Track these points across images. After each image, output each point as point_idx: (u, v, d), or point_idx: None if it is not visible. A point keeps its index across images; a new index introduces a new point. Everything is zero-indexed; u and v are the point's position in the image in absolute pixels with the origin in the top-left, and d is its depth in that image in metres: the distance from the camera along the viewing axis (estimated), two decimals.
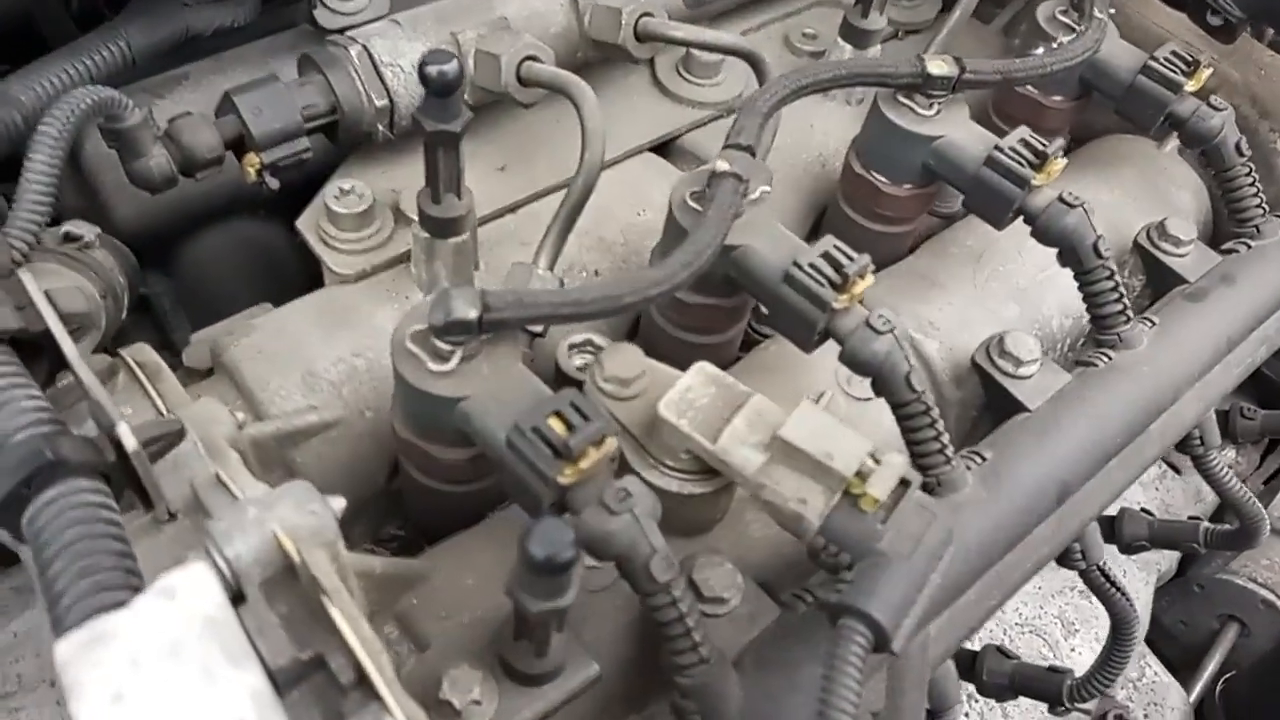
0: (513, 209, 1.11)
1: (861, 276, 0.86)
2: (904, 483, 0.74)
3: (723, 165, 0.88)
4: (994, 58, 1.42)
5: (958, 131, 1.05)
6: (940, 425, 0.87)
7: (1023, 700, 1.14)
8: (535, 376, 0.78)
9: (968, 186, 1.04)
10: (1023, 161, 1.00)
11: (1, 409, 0.63)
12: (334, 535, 0.65)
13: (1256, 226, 1.17)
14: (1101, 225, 1.21)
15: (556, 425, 0.73)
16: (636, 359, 0.85)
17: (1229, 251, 1.16)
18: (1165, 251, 1.15)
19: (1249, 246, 1.16)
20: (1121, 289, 1.02)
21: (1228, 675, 1.55)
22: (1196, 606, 1.59)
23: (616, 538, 0.71)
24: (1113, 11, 1.20)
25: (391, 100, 1.02)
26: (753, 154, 0.91)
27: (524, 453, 0.72)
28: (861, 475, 0.73)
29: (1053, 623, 1.24)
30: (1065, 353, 1.18)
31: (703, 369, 0.82)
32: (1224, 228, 1.29)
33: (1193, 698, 1.49)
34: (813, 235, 1.26)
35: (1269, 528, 1.21)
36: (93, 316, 0.76)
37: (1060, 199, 1.00)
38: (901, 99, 1.05)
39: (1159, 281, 1.16)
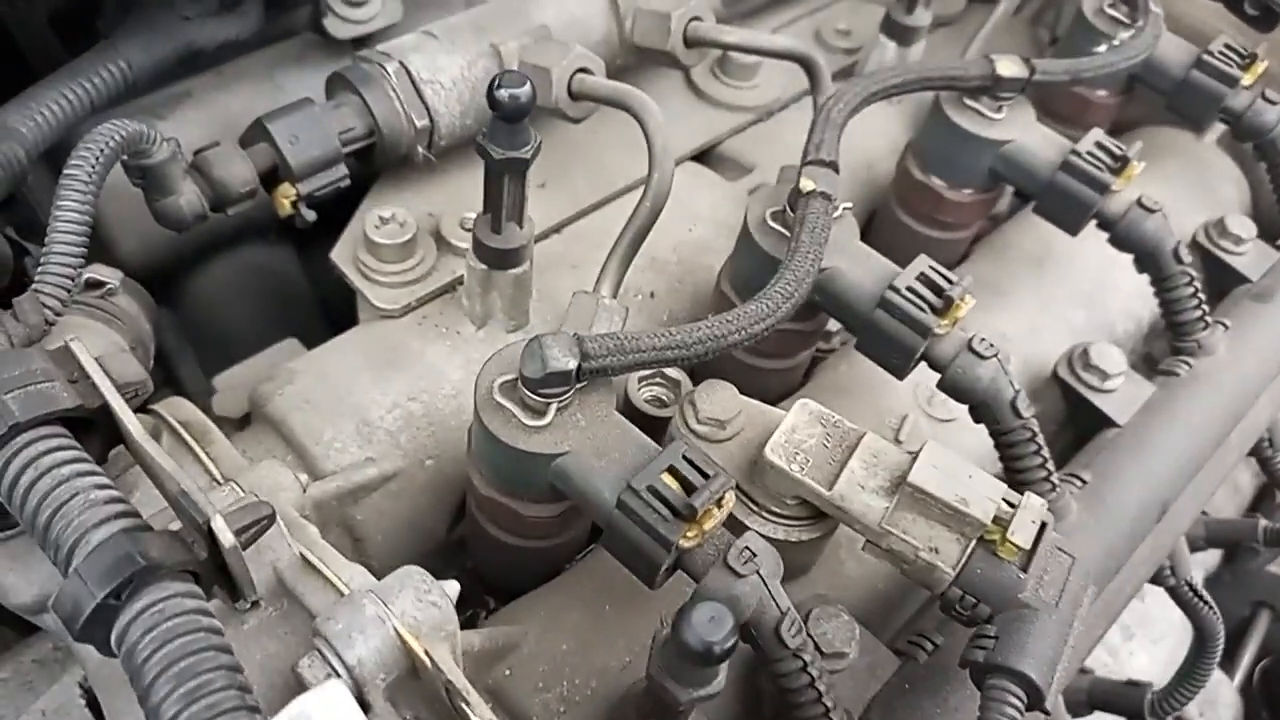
0: (557, 229, 1.04)
1: (963, 299, 0.81)
2: (1042, 525, 0.70)
3: (809, 184, 0.83)
4: (1030, 50, 1.40)
5: (1027, 135, 1.00)
6: (1045, 451, 0.83)
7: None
8: (634, 426, 0.72)
9: (1041, 192, 0.99)
10: (1101, 165, 0.96)
11: (71, 502, 0.55)
12: (455, 626, 0.59)
13: None
14: None
15: (672, 483, 0.67)
16: (732, 398, 0.79)
17: None
18: (1226, 250, 1.12)
19: None
20: (1200, 295, 0.99)
21: (1265, 662, 1.55)
22: (1227, 595, 1.58)
23: (743, 601, 0.65)
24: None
25: (433, 120, 0.94)
26: (836, 169, 0.85)
27: (639, 514, 0.66)
28: (999, 521, 0.69)
29: (1112, 629, 1.21)
30: (1129, 357, 1.14)
31: (806, 406, 0.77)
32: (1266, 216, 1.27)
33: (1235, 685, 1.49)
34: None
35: None
36: (147, 384, 0.68)
37: (1140, 203, 0.97)
38: (968, 101, 1.00)
39: (1220, 279, 1.13)
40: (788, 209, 0.86)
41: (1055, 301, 1.09)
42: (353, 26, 1.14)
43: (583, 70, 0.94)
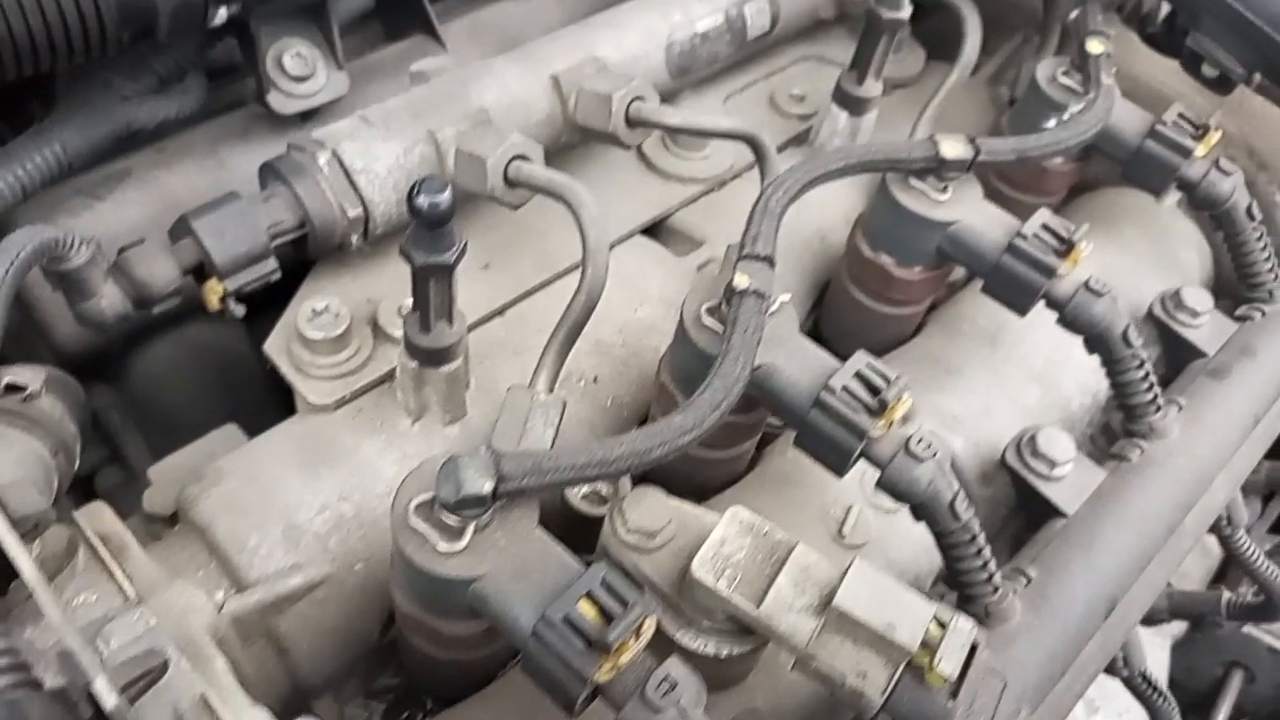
0: (500, 312, 1.02)
1: (900, 399, 0.80)
2: (973, 649, 0.68)
3: (743, 281, 0.81)
4: (990, 111, 1.39)
5: (974, 215, 0.99)
6: (987, 552, 0.81)
7: None
8: (558, 544, 0.70)
9: (988, 273, 0.98)
10: (1047, 249, 0.95)
11: None
12: None
13: (1270, 291, 1.13)
14: (1117, 290, 1.18)
15: (589, 612, 0.65)
16: (662, 506, 0.77)
17: (1244, 318, 1.12)
18: (1182, 323, 1.10)
19: (1263, 313, 1.12)
20: (1152, 377, 0.97)
21: None
22: (1200, 654, 1.56)
23: None
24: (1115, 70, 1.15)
25: (366, 209, 0.93)
26: (771, 264, 0.84)
27: (553, 647, 0.64)
28: (927, 645, 0.67)
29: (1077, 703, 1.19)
30: (1085, 430, 1.13)
31: (736, 516, 0.75)
32: (1228, 279, 1.26)
33: None
34: (814, 312, 1.20)
35: None
36: (48, 514, 0.66)
37: (1087, 286, 0.95)
38: (913, 181, 0.99)
39: (1176, 354, 1.12)
40: (724, 304, 0.84)
41: (1008, 379, 1.07)
42: (298, 101, 1.12)
43: (520, 158, 0.93)
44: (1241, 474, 1.06)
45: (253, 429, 0.99)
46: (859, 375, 0.81)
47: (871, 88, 1.15)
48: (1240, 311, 1.13)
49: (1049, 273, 0.94)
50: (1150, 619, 1.24)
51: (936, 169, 0.97)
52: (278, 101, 1.11)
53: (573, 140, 1.07)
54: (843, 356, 1.17)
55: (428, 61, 1.07)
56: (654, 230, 1.16)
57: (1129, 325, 0.96)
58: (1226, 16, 1.13)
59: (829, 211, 1.19)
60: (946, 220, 0.98)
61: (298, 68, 1.11)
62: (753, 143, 1.02)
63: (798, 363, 0.83)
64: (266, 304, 0.99)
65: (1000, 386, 1.07)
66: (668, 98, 1.19)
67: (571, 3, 1.41)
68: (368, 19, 1.36)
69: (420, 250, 0.75)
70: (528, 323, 1.02)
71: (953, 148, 0.96)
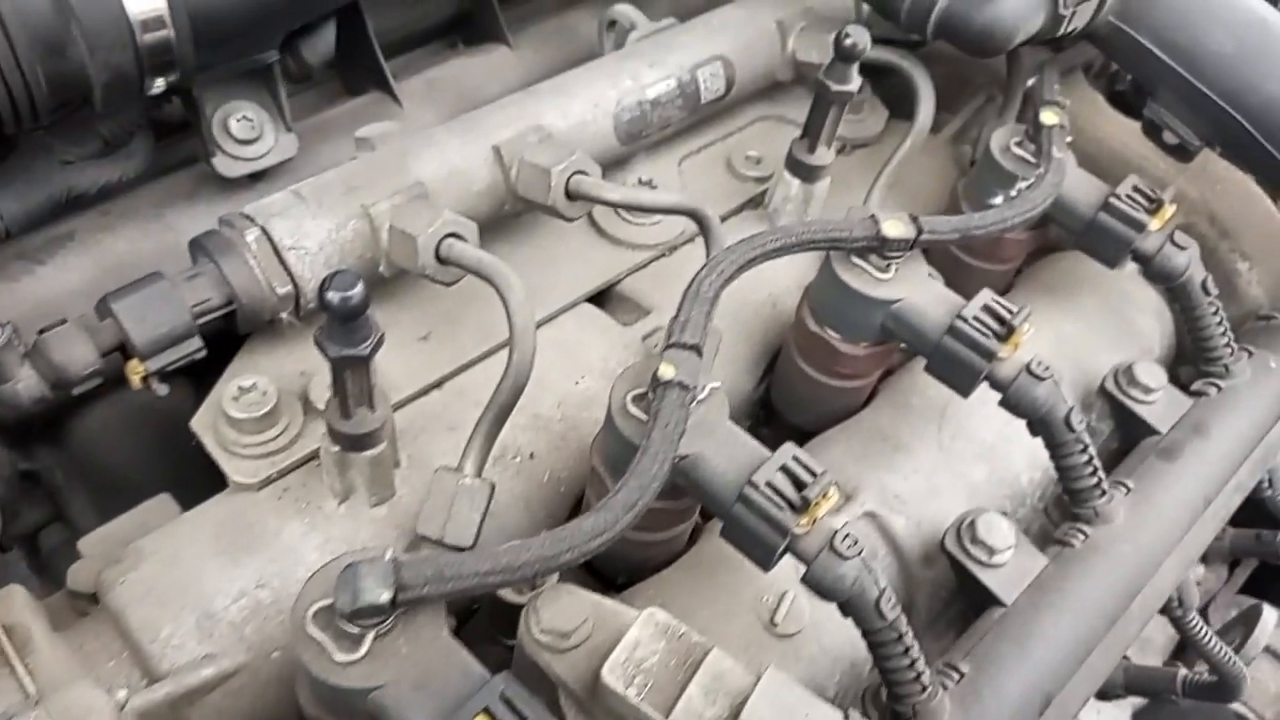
0: (438, 384, 1.01)
1: (825, 496, 0.78)
2: None
3: (667, 372, 0.80)
4: (951, 170, 1.38)
5: (917, 293, 0.98)
6: (915, 651, 0.80)
7: None
8: (464, 651, 0.69)
9: (930, 354, 0.96)
10: (987, 332, 0.93)
11: None
12: None
13: (1226, 366, 1.12)
14: (1066, 363, 1.17)
15: None
16: (577, 604, 0.75)
17: (1198, 393, 1.11)
18: (1134, 399, 1.09)
19: (1219, 388, 1.11)
20: (1095, 462, 0.95)
21: None
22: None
23: None
24: (1070, 140, 1.14)
25: (297, 286, 0.92)
26: (699, 352, 0.82)
27: None
28: None
29: None
30: (1036, 504, 1.11)
31: (653, 617, 0.73)
32: (1189, 347, 1.24)
33: None
34: (766, 379, 1.18)
35: (1247, 682, 1.16)
36: None
37: (1029, 370, 0.93)
38: (855, 259, 0.98)
39: (1128, 430, 1.10)
40: (650, 393, 0.83)
41: (955, 456, 1.06)
42: (244, 164, 1.12)
43: (453, 236, 0.92)
44: (1192, 557, 1.04)
45: (197, 492, 0.97)
46: (785, 469, 0.79)
47: (823, 156, 1.14)
48: (1196, 386, 1.12)
49: (989, 356, 0.92)
50: (1105, 694, 1.22)
51: (878, 248, 0.96)
52: (224, 165, 1.11)
53: (517, 209, 1.06)
54: (792, 426, 1.18)
55: (374, 127, 1.06)
56: (602, 297, 1.15)
57: (1072, 409, 0.94)
58: (1182, 88, 1.12)
59: (780, 277, 1.17)
60: (889, 299, 0.97)
61: (244, 131, 1.11)
62: (697, 218, 1.01)
63: (725, 454, 0.82)
64: (218, 365, 0.98)
65: (947, 464, 1.05)
66: (618, 162, 1.18)
67: (531, 58, 1.41)
68: (328, 74, 1.36)
69: (334, 343, 0.74)
70: (466, 396, 1.00)
71: (894, 227, 0.95)
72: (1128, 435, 1.10)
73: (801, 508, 0.77)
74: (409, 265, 0.92)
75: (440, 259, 0.91)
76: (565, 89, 1.11)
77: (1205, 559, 1.38)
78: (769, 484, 0.78)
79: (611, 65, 1.15)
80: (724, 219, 1.23)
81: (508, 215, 1.07)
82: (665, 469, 0.75)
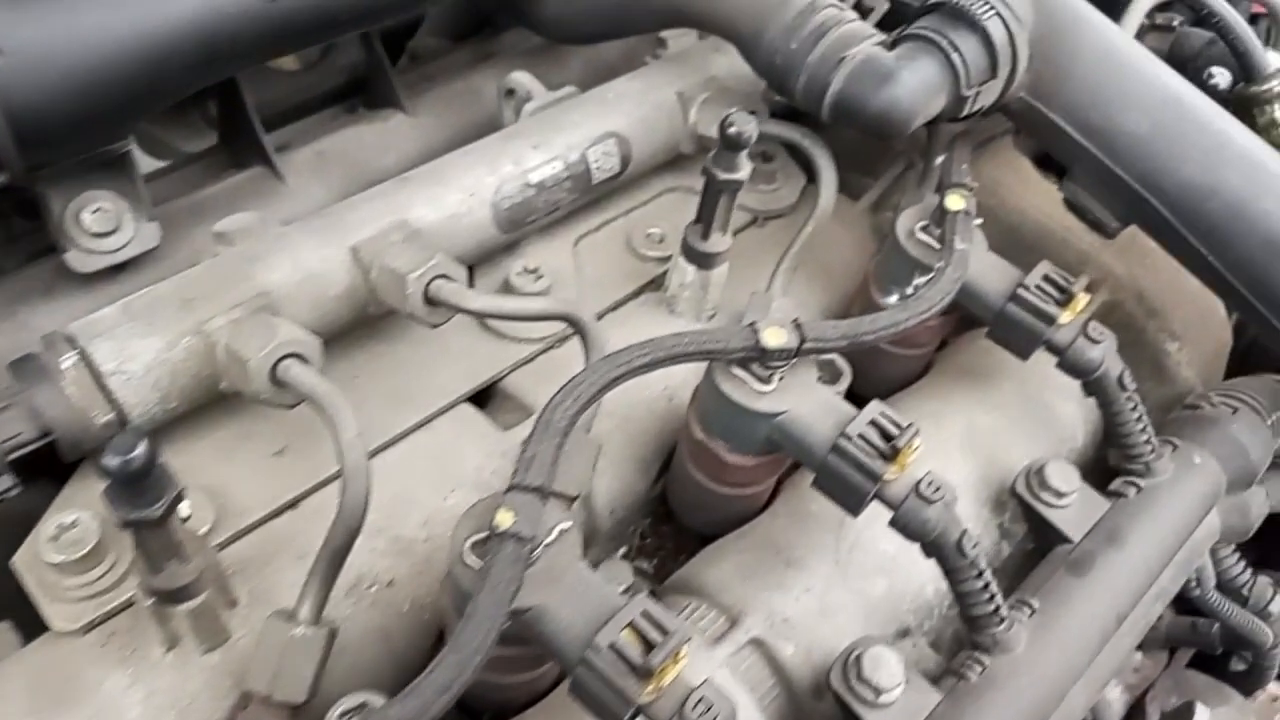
0: (293, 504, 0.94)
1: (676, 658, 0.71)
2: None
3: (504, 520, 0.73)
4: (871, 240, 1.31)
5: (804, 404, 0.91)
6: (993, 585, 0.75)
7: None
8: None
9: (816, 470, 0.90)
10: (872, 452, 0.86)
11: None
12: None
13: (1147, 464, 1.05)
14: (978, 459, 1.10)
15: None
16: None
17: (1117, 494, 1.04)
18: (1045, 503, 1.02)
19: (1138, 488, 1.04)
20: (993, 588, 0.89)
21: None
22: None
23: None
24: (979, 222, 1.07)
25: (121, 413, 0.85)
26: (543, 496, 0.76)
27: None
28: None
29: None
30: (946, 612, 1.04)
31: None
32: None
33: None
34: (662, 477, 1.12)
35: None
36: None
37: (918, 492, 0.87)
38: (735, 370, 0.91)
39: (1040, 535, 1.03)
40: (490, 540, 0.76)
41: (853, 570, 0.99)
42: (101, 258, 1.05)
43: (293, 356, 0.85)
44: (1103, 679, 0.97)
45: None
46: (634, 626, 0.72)
47: (718, 242, 1.07)
48: (1114, 486, 1.05)
49: (874, 478, 0.86)
50: None
51: (757, 358, 0.89)
52: (78, 260, 1.04)
53: (382, 311, 0.99)
54: (688, 531, 1.11)
55: (233, 220, 0.99)
56: (485, 395, 1.08)
57: (964, 533, 0.87)
58: (1097, 169, 1.05)
59: (677, 369, 1.10)
60: (772, 411, 0.90)
61: (100, 223, 1.04)
62: (573, 322, 0.94)
63: (573, 605, 0.75)
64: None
65: (844, 579, 0.98)
66: (501, 248, 1.12)
67: (430, 124, 1.34)
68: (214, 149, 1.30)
69: (121, 506, 0.67)
70: (324, 517, 0.92)
71: (775, 336, 0.88)
72: (1040, 539, 1.04)
73: (648, 674, 0.70)
74: (243, 389, 0.85)
75: (276, 382, 0.84)
76: (439, 177, 1.04)
77: (1142, 646, 1.32)
78: (612, 646, 0.71)
79: (492, 148, 1.08)
80: (622, 303, 1.17)
81: (375, 316, 1.00)
82: (491, 639, 0.68)
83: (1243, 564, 1.25)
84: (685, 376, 1.11)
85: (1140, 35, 1.39)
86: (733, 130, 0.96)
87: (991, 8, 1.00)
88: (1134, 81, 1.03)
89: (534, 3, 1.32)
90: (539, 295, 1.10)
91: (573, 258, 1.17)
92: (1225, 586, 1.24)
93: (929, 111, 1.01)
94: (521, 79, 1.23)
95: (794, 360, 0.90)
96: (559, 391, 0.81)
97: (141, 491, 0.67)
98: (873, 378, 1.21)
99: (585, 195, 1.15)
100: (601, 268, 1.18)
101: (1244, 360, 1.29)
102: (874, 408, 0.89)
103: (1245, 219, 0.99)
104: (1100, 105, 1.03)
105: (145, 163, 1.45)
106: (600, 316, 1.15)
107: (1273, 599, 1.25)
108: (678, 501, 1.09)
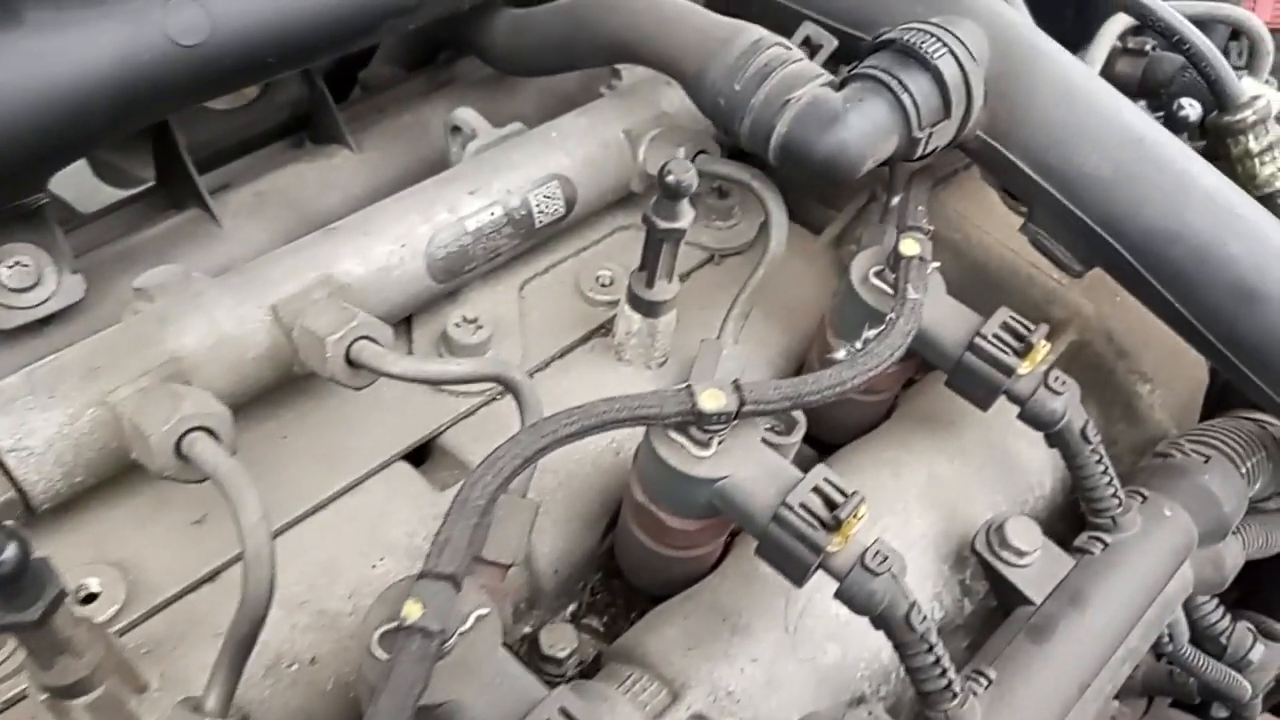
0: (211, 577, 0.90)
1: None
2: None
3: (411, 612, 0.68)
4: (833, 276, 1.26)
5: (745, 469, 0.86)
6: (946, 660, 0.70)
7: None
8: None
9: (759, 538, 0.85)
10: (814, 523, 0.82)
11: None
12: None
13: (1113, 518, 1.00)
14: (939, 511, 1.06)
15: None
16: None
17: (1082, 550, 1.00)
18: (1006, 562, 0.98)
19: (1104, 544, 1.00)
20: (944, 662, 0.84)
21: None
22: None
23: None
24: (936, 266, 1.03)
25: (21, 490, 0.80)
26: (456, 584, 0.71)
27: None
28: None
29: None
30: (904, 676, 1.00)
31: None
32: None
33: None
34: (609, 535, 1.07)
35: None
36: None
37: (863, 564, 0.82)
38: (673, 435, 0.87)
39: (1001, 595, 0.99)
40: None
41: (804, 637, 0.94)
42: (21, 314, 1.00)
43: (200, 429, 0.80)
44: None
45: None
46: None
47: (663, 290, 1.03)
48: (1079, 542, 1.01)
49: (816, 550, 0.81)
50: None
51: (694, 422, 0.84)
52: None
53: (307, 372, 0.94)
54: (634, 590, 1.07)
55: (153, 274, 0.95)
56: (422, 451, 1.04)
57: (912, 606, 0.83)
58: (1057, 210, 1.01)
59: None
60: (712, 477, 0.86)
61: (19, 278, 0.99)
62: (503, 383, 0.90)
63: (489, 699, 0.71)
64: None
65: (793, 648, 0.94)
66: (440, 297, 1.07)
67: (377, 160, 1.30)
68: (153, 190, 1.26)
69: None
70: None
71: (713, 399, 0.84)
72: (1002, 599, 0.99)
73: None
74: (147, 463, 0.81)
75: (182, 457, 0.80)
76: (367, 227, 1.00)
77: (1119, 696, 1.27)
78: None
79: (426, 194, 1.04)
80: (570, 349, 1.13)
81: (300, 375, 0.96)
82: None
83: (1220, 610, 1.21)
84: (633, 429, 1.07)
85: (1112, 60, 1.35)
86: (670, 179, 0.92)
87: (943, 45, 0.96)
88: (1094, 120, 0.98)
89: (483, 35, 1.28)
90: (471, 354, 1.04)
91: (518, 303, 1.12)
92: (1203, 635, 1.20)
93: (879, 154, 0.96)
94: (466, 116, 1.18)
95: (734, 423, 0.86)
96: (479, 466, 0.77)
97: (16, 594, 0.63)
98: (833, 425, 1.17)
99: (528, 240, 1.10)
100: (548, 313, 1.13)
101: (1222, 397, 1.24)
102: (818, 473, 0.85)
103: (1211, 264, 0.94)
104: (1059, 146, 0.98)
105: (106, 194, 1.42)
106: (547, 364, 1.11)
107: (1252, 647, 1.20)
108: (624, 561, 1.04)
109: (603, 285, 1.15)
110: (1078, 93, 0.99)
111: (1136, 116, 0.99)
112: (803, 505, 0.82)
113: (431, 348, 1.06)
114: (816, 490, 0.83)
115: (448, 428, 1.03)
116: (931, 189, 1.19)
